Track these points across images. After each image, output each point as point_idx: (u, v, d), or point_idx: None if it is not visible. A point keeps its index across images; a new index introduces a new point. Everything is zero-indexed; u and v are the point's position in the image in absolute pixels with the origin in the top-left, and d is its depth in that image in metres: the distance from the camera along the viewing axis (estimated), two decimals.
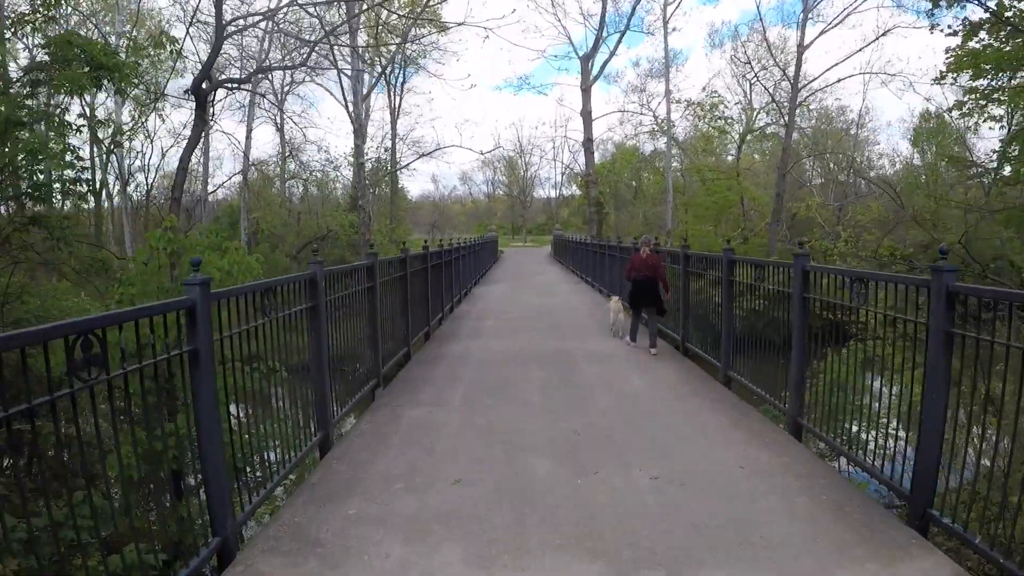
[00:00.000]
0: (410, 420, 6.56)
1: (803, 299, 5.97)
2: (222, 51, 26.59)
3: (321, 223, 30.68)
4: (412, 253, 10.51)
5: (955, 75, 22.94)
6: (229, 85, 16.44)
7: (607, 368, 8.81)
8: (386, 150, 35.60)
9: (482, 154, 33.51)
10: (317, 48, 23.94)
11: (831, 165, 43.99)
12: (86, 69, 11.21)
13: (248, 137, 30.77)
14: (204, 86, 13.76)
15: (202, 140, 32.81)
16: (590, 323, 12.82)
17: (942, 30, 22.95)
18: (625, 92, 60.32)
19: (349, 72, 22.04)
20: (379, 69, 28.46)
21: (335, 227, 29.09)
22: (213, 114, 22.50)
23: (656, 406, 6.96)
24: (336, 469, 5.28)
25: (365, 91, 23.80)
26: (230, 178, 37.62)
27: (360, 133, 22.02)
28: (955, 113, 24.12)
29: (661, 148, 41.90)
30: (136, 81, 14.72)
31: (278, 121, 37.53)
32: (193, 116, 15.09)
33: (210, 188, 36.38)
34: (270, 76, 36.71)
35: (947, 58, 22.52)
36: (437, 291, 12.99)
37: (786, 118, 30.53)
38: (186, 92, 14.14)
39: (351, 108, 22.76)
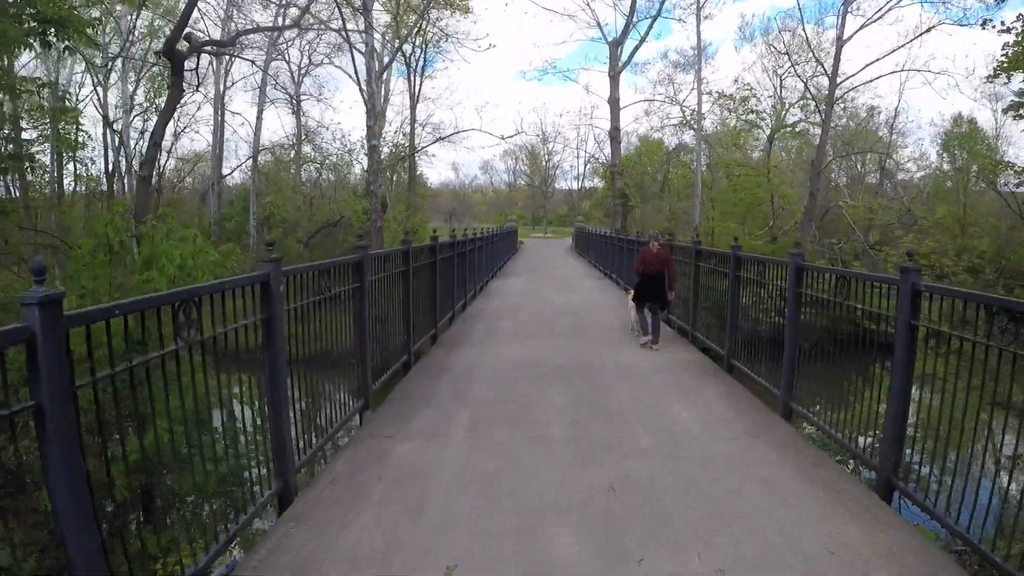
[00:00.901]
0: (399, 460, 5.14)
1: (910, 326, 4.50)
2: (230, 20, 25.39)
3: (334, 208, 29.23)
4: (416, 246, 9.14)
5: (1009, 74, 21.34)
6: (209, 48, 14.35)
7: (642, 389, 7.35)
8: (404, 135, 34.09)
9: (503, 139, 31.97)
10: (335, 25, 22.70)
11: (859, 166, 42.24)
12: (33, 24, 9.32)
13: (259, 118, 29.43)
14: (180, 48, 12.24)
15: (213, 119, 31.84)
16: (617, 326, 11.39)
17: (994, 26, 21.37)
18: (653, 84, 58.13)
19: (362, 47, 20.52)
20: (396, 44, 26.81)
21: (348, 213, 27.64)
22: (201, 83, 20.64)
23: (709, 449, 5.49)
24: (292, 539, 3.90)
25: (379, 69, 22.18)
26: (243, 163, 36.41)
27: (373, 114, 20.50)
28: (1010, 114, 22.51)
29: (686, 141, 40.42)
30: (93, 38, 12.62)
31: (294, 105, 36.48)
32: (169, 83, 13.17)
33: (224, 172, 35.36)
34: (287, 57, 35.63)
35: (1002, 53, 20.89)
36: (447, 287, 11.60)
37: (822, 114, 28.73)
38: (157, 54, 12.48)
39: (364, 87, 21.29)
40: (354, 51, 22.01)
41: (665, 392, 7.27)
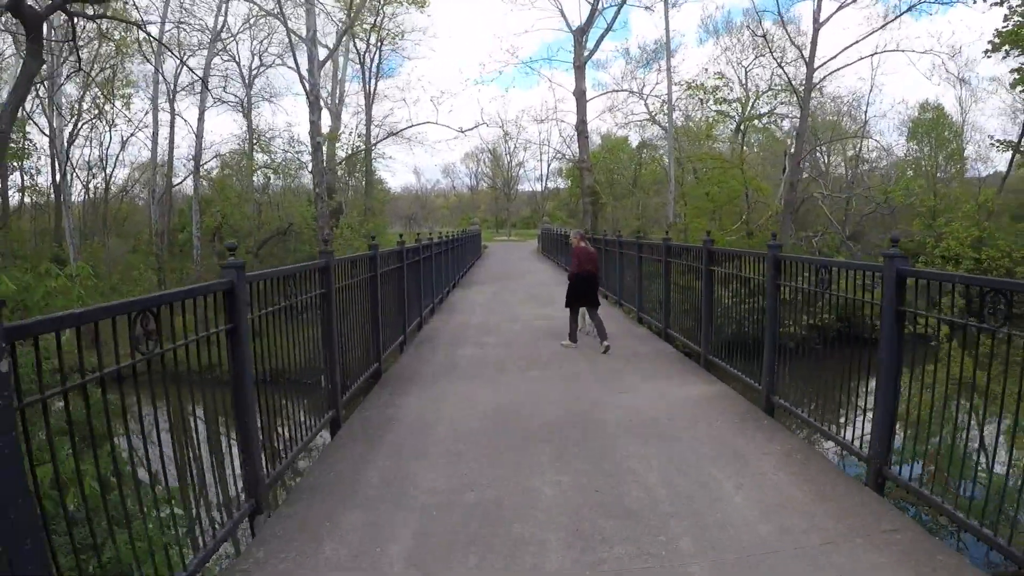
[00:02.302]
0: None
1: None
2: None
3: (282, 216, 26.58)
4: (347, 257, 6.82)
5: (1007, 48, 19.65)
6: (75, 7, 10.83)
7: (667, 454, 5.03)
8: (360, 136, 31.52)
9: (462, 132, 28.47)
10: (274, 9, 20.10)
11: (826, 157, 40.62)
12: None
13: (200, 120, 26.52)
14: (33, 4, 9.67)
15: (152, 122, 28.88)
16: (614, 350, 9.12)
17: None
18: (616, 81, 55.43)
19: (303, 32, 17.99)
20: (343, 27, 24.12)
21: (297, 221, 25.02)
22: (72, 54, 17.34)
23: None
24: None
25: (323, 59, 19.54)
26: (192, 172, 33.54)
27: (317, 107, 17.93)
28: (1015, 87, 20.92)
29: (649, 138, 38.34)
30: None
31: (244, 107, 33.82)
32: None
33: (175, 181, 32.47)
34: (237, 58, 33.03)
35: (1004, 26, 19.13)
36: (395, 307, 9.26)
37: (800, 100, 26.82)
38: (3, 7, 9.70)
39: (305, 75, 18.69)
40: (292, 36, 19.34)
41: (697, 456, 5.00)
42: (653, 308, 10.93)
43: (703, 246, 8.18)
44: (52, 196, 30.56)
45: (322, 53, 19.88)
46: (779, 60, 27.84)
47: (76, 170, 31.41)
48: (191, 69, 22.39)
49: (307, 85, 17.96)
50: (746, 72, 34.17)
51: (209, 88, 25.98)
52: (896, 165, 40.97)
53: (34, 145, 27.55)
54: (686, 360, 8.53)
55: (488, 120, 26.45)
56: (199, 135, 26.02)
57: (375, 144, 29.69)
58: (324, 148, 18.53)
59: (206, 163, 31.61)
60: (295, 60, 19.51)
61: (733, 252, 7.70)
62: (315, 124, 17.84)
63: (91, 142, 32.43)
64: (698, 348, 8.33)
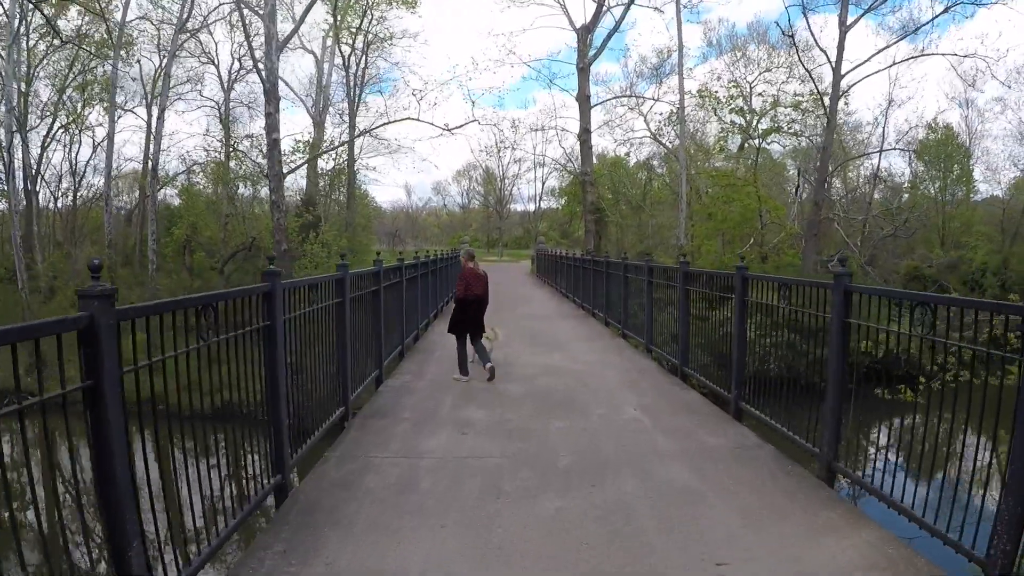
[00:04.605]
0: None
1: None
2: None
3: (246, 229, 23.13)
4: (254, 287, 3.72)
5: None
6: None
7: None
8: (343, 144, 28.21)
9: (447, 130, 23.90)
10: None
11: (845, 175, 37.62)
12: None
13: (159, 119, 22.89)
14: None
15: (108, 125, 25.51)
16: (656, 426, 5.82)
17: None
18: (618, 94, 51.28)
19: (260, 8, 14.67)
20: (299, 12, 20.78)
21: (262, 234, 21.61)
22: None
23: None
24: None
25: (282, 40, 16.00)
26: (174, 177, 30.39)
27: (274, 97, 14.43)
28: None
29: (649, 157, 34.98)
30: None
31: (221, 113, 30.71)
32: None
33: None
34: (216, 61, 30.00)
35: None
36: (331, 357, 5.87)
37: (826, 109, 23.68)
38: None
39: (259, 59, 15.26)
40: (242, 8, 15.85)
41: None
42: (713, 364, 7.74)
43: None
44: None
45: (283, 33, 16.49)
46: (803, 64, 24.61)
47: (43, 176, 28.72)
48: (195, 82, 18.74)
49: (263, 71, 14.45)
50: (750, 87, 31.20)
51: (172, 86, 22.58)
52: (906, 186, 38.23)
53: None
54: (796, 469, 5.11)
55: (480, 119, 22.90)
56: (156, 139, 22.43)
57: (361, 133, 26.28)
58: (281, 146, 15.06)
59: (177, 172, 28.78)
60: (247, 41, 16.07)
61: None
62: (271, 118, 14.37)
63: (65, 147, 29.88)
64: (815, 450, 5.06)
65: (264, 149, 16.74)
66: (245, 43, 22.02)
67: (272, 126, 14.47)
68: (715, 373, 7.36)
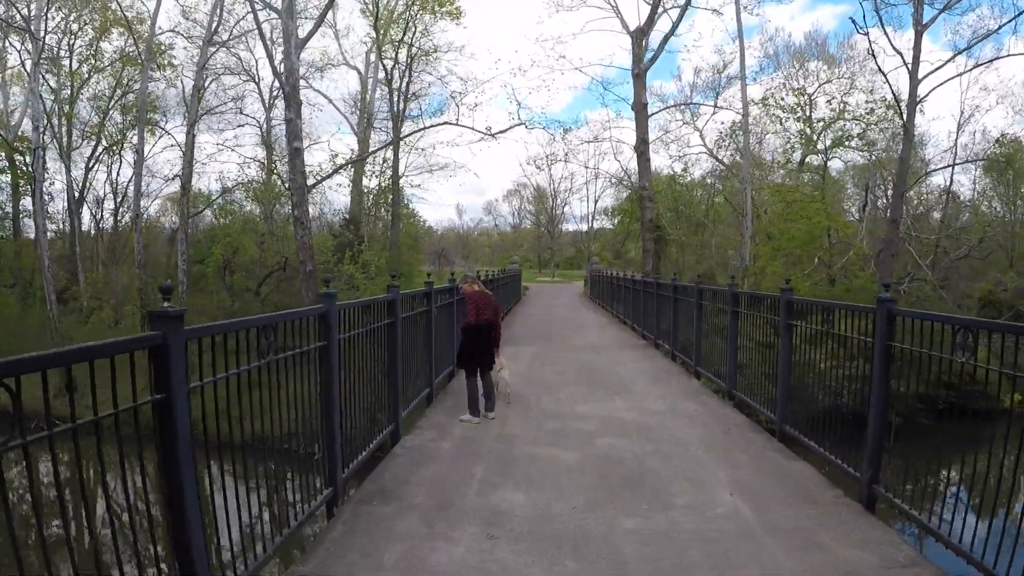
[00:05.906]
0: None
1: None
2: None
3: (280, 248, 21.99)
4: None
5: None
6: None
7: None
8: (379, 149, 27.16)
9: (490, 134, 21.90)
10: None
11: (916, 192, 34.91)
12: None
13: (189, 134, 21.95)
14: None
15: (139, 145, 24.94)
16: (795, 559, 4.05)
17: None
18: (675, 104, 47.30)
19: (279, 3, 13.38)
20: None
21: (294, 253, 20.42)
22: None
23: None
24: None
25: (303, 36, 14.60)
26: (215, 198, 29.88)
27: (294, 100, 13.00)
28: None
29: (697, 176, 32.70)
30: None
31: (263, 132, 30.01)
32: None
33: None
34: (258, 78, 29.36)
35: None
36: (320, 411, 4.36)
37: (903, 117, 21.42)
38: None
39: (275, 57, 13.94)
40: (254, 4, 14.52)
41: None
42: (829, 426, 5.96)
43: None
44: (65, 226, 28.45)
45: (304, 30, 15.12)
46: (878, 66, 22.29)
47: (85, 199, 28.67)
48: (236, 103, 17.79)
49: (282, 73, 13.07)
50: (810, 99, 28.93)
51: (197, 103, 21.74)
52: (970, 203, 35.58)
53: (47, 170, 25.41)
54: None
55: (527, 123, 21.40)
56: (188, 154, 21.54)
57: (395, 140, 25.23)
58: (304, 156, 13.66)
59: (215, 193, 28.23)
60: (262, 39, 14.68)
61: None
62: (292, 124, 12.97)
63: (109, 168, 29.94)
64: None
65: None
66: (261, 45, 21.12)
67: (293, 133, 13.08)
68: (833, 440, 5.44)
